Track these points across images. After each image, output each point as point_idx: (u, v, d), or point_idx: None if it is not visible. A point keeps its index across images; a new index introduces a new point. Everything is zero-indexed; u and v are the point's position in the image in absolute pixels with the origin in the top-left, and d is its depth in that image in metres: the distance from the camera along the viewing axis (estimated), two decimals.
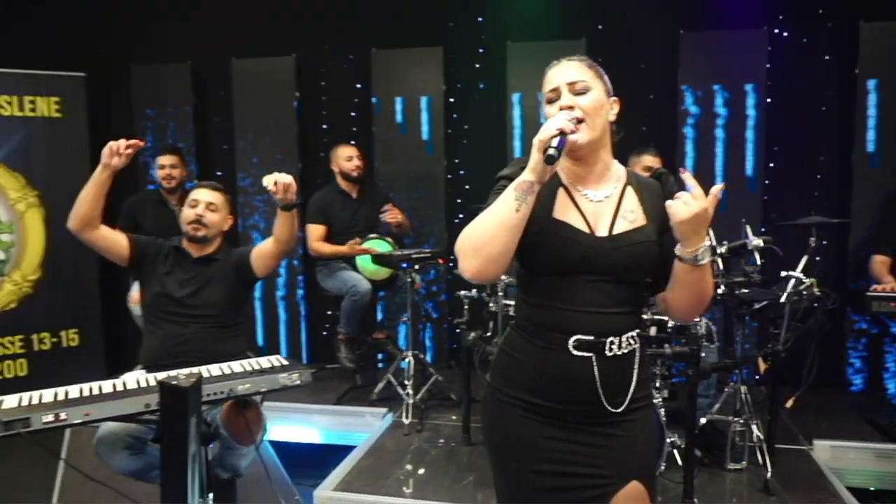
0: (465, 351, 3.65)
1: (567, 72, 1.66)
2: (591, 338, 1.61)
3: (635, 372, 1.68)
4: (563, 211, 1.66)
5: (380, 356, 4.86)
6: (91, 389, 2.25)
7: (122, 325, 5.74)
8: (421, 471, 3.37)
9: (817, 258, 3.50)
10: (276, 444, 4.01)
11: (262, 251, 2.95)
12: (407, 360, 4.05)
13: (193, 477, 2.05)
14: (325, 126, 5.39)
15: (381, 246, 4.33)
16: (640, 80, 4.79)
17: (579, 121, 1.60)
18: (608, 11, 4.85)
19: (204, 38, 5.39)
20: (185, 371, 2.38)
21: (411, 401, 3.89)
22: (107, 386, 2.28)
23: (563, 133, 1.52)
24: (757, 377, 3.64)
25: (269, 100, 5.28)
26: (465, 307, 3.83)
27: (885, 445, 3.52)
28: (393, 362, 4.29)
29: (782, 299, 3.05)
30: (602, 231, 1.65)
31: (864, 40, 4.39)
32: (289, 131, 5.28)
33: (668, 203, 1.55)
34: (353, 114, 5.33)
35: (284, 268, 5.33)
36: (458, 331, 4.16)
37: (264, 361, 2.54)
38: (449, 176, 5.13)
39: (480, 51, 5.08)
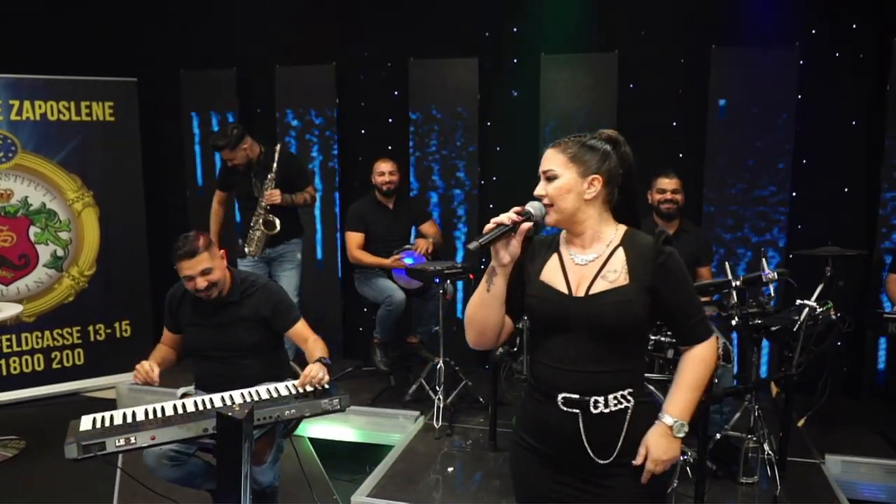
0: (491, 365, 3.82)
1: (545, 161, 1.81)
2: (577, 396, 1.75)
3: (625, 429, 1.77)
4: (550, 273, 1.83)
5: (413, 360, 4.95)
6: (155, 411, 2.49)
7: None
8: (449, 475, 3.57)
9: (840, 283, 3.63)
10: (314, 442, 4.26)
11: (294, 340, 3.11)
12: (438, 364, 4.18)
13: (246, 493, 2.30)
14: (363, 131, 5.53)
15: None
16: (671, 93, 4.84)
17: (548, 205, 1.78)
18: (641, 25, 4.86)
19: (249, 45, 5.54)
20: (239, 398, 2.64)
21: (442, 404, 4.05)
22: (168, 408, 2.52)
23: (501, 225, 1.72)
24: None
25: (310, 106, 5.42)
26: None
27: (894, 462, 3.64)
28: (426, 366, 4.42)
29: (795, 328, 3.19)
30: (580, 292, 1.77)
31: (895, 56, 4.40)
32: (329, 137, 5.42)
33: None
34: (389, 120, 5.47)
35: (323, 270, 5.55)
36: None
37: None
38: (482, 182, 5.28)
39: (514, 61, 5.17)
